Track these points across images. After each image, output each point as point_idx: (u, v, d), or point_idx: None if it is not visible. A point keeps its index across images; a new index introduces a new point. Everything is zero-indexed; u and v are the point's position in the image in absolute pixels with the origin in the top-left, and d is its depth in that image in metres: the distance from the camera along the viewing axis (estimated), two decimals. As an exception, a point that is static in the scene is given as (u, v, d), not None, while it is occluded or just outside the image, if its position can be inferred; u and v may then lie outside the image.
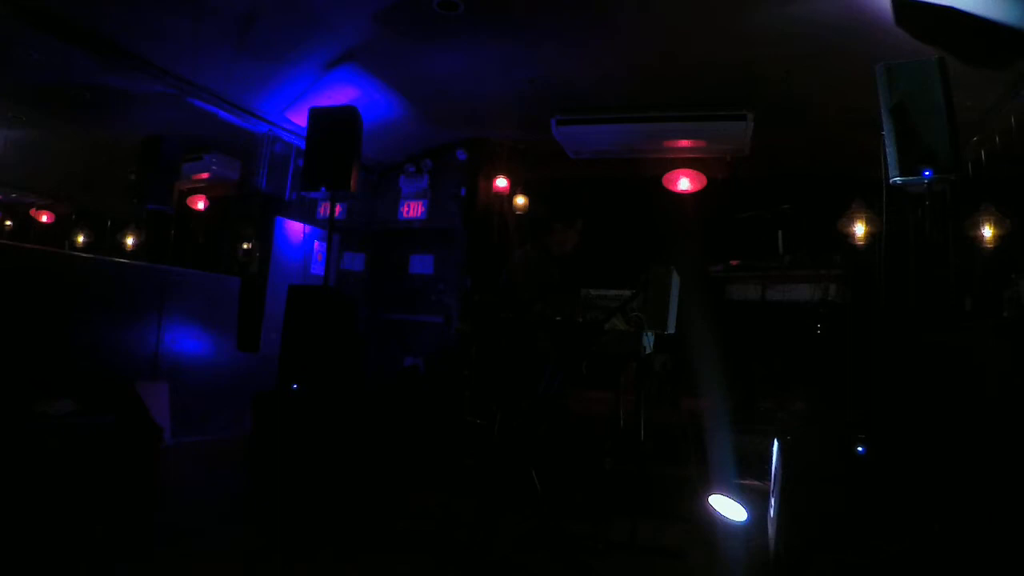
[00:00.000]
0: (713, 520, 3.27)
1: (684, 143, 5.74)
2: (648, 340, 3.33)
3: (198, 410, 4.95)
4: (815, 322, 5.00)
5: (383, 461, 3.89)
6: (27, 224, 7.95)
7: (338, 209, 5.98)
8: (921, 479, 2.69)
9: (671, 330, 3.22)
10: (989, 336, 3.11)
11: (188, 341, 5.11)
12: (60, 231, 7.80)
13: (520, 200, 6.79)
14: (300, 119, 5.09)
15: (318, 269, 6.45)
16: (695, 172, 6.13)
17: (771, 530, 2.93)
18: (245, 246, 6.19)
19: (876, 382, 4.02)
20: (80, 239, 7.44)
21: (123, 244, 6.79)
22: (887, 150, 3.31)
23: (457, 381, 5.77)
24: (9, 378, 3.56)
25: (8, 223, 7.96)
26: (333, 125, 4.19)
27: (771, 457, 3.12)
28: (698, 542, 3.13)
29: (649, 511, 3.19)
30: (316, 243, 6.58)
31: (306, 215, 6.51)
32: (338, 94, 4.99)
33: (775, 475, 3.01)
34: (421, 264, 6.75)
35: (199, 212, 6.72)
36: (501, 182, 6.70)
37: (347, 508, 3.41)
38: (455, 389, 5.66)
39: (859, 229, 5.72)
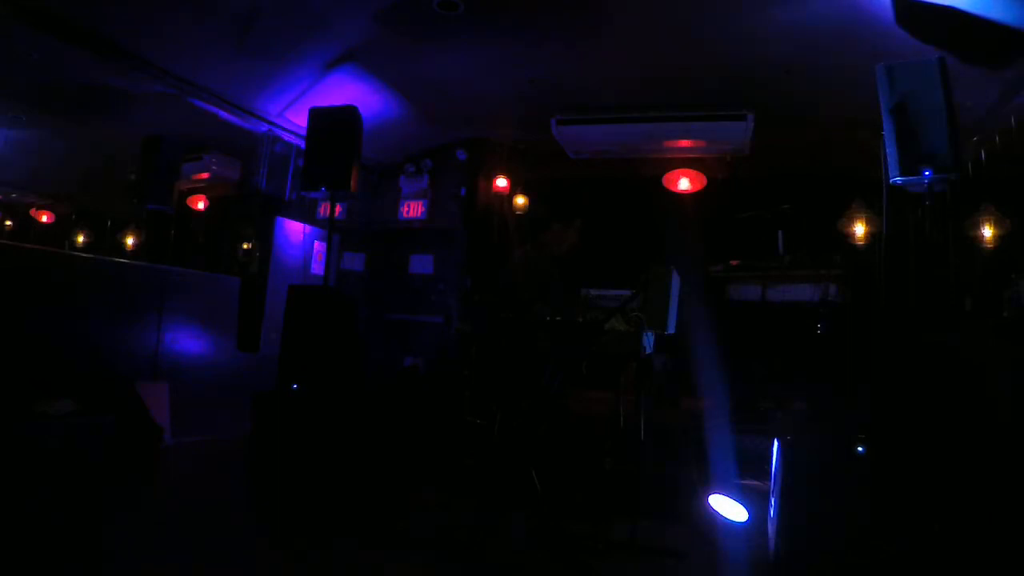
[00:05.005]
0: (713, 520, 3.26)
1: (684, 143, 5.74)
2: (648, 340, 3.33)
3: (198, 410, 4.95)
4: (815, 322, 5.00)
5: (383, 461, 3.89)
6: (27, 224, 7.96)
7: (338, 209, 5.97)
8: (921, 479, 2.69)
9: (671, 330, 3.22)
10: (989, 336, 3.11)
11: (188, 341, 5.11)
12: (60, 231, 7.81)
13: (520, 200, 6.79)
14: (300, 119, 5.08)
15: (318, 269, 6.45)
16: (695, 172, 6.13)
17: (771, 530, 2.93)
18: (245, 246, 6.19)
19: (876, 382, 4.02)
20: (80, 239, 7.45)
21: (123, 244, 6.80)
22: (887, 150, 3.32)
23: (457, 381, 5.77)
24: (9, 378, 3.56)
25: (8, 223, 7.97)
26: (333, 125, 4.18)
27: (771, 457, 3.12)
28: (698, 542, 3.13)
29: (649, 511, 3.19)
30: (316, 243, 6.57)
31: (306, 215, 6.51)
32: (338, 94, 4.99)
33: (775, 475, 3.01)
34: (421, 264, 6.75)
35: (199, 212, 6.72)
36: (501, 182, 6.70)
37: (347, 508, 3.41)
38: (455, 389, 5.65)
39: (859, 229, 5.72)
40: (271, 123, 5.44)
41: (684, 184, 6.16)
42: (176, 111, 5.06)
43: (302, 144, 5.01)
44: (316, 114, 4.24)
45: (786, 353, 5.06)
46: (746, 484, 3.62)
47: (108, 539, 2.88)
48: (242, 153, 6.23)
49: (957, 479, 2.63)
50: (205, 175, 6.39)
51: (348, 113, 4.19)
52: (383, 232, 6.96)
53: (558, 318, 3.41)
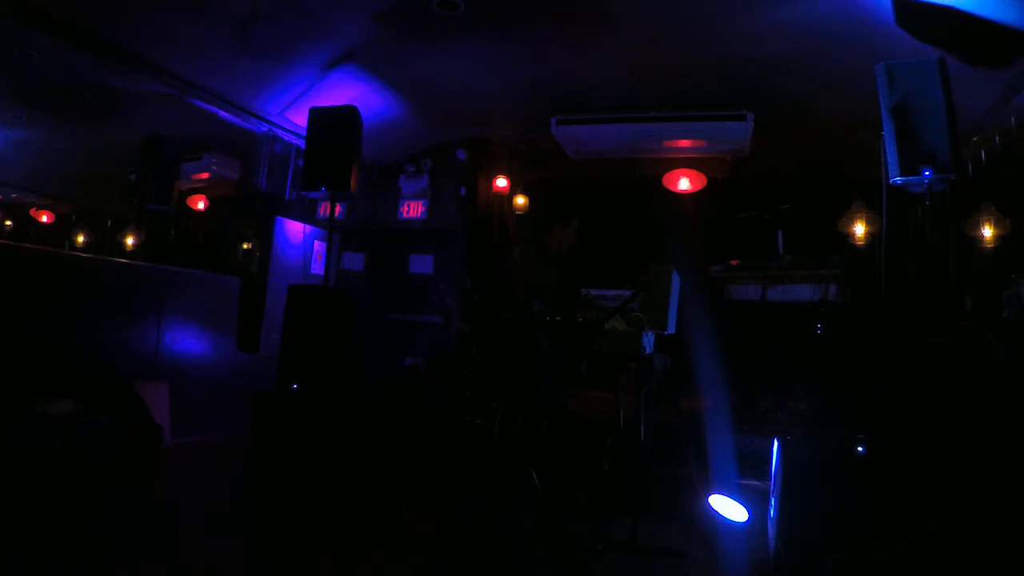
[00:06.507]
0: (713, 520, 3.27)
1: (684, 143, 5.74)
2: (648, 340, 3.33)
3: (198, 410, 4.95)
4: (815, 322, 5.00)
5: (383, 461, 3.90)
6: (27, 224, 7.98)
7: (338, 209, 5.98)
8: (920, 479, 2.69)
9: (671, 330, 3.22)
10: (989, 336, 3.11)
11: (188, 341, 5.11)
12: (60, 231, 7.82)
13: (520, 200, 6.79)
14: (300, 119, 5.08)
15: (318, 269, 6.45)
16: (695, 172, 6.12)
17: (771, 530, 2.93)
18: (245, 246, 6.19)
19: (876, 382, 4.02)
20: (80, 239, 7.46)
21: (123, 244, 6.80)
22: (887, 150, 3.31)
23: (457, 381, 5.78)
24: (10, 378, 3.57)
25: (8, 223, 7.98)
26: (333, 125, 4.18)
27: (771, 457, 3.12)
28: (698, 542, 3.13)
29: (649, 511, 3.19)
30: (316, 243, 6.58)
31: (306, 215, 6.50)
32: (338, 94, 4.99)
33: (775, 475, 3.01)
34: (421, 264, 6.75)
35: (199, 212, 6.72)
36: (501, 182, 6.70)
37: (347, 508, 3.41)
38: (455, 389, 5.66)
39: (859, 229, 5.72)
40: (271, 123, 5.44)
41: (684, 184, 6.16)
42: (176, 111, 5.06)
43: (302, 144, 5.01)
44: (316, 114, 4.24)
45: (786, 353, 5.07)
46: (746, 484, 3.62)
47: (109, 539, 2.88)
48: (242, 153, 6.23)
49: (956, 479, 2.63)
50: (205, 175, 6.39)
51: (348, 113, 4.19)
52: (383, 232, 6.96)
53: (558, 318, 3.41)
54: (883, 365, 3.84)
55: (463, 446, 4.30)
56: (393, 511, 3.49)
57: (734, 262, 5.51)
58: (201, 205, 6.71)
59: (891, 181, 3.34)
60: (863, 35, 3.89)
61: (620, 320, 3.25)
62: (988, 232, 5.39)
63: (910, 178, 3.25)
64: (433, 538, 3.15)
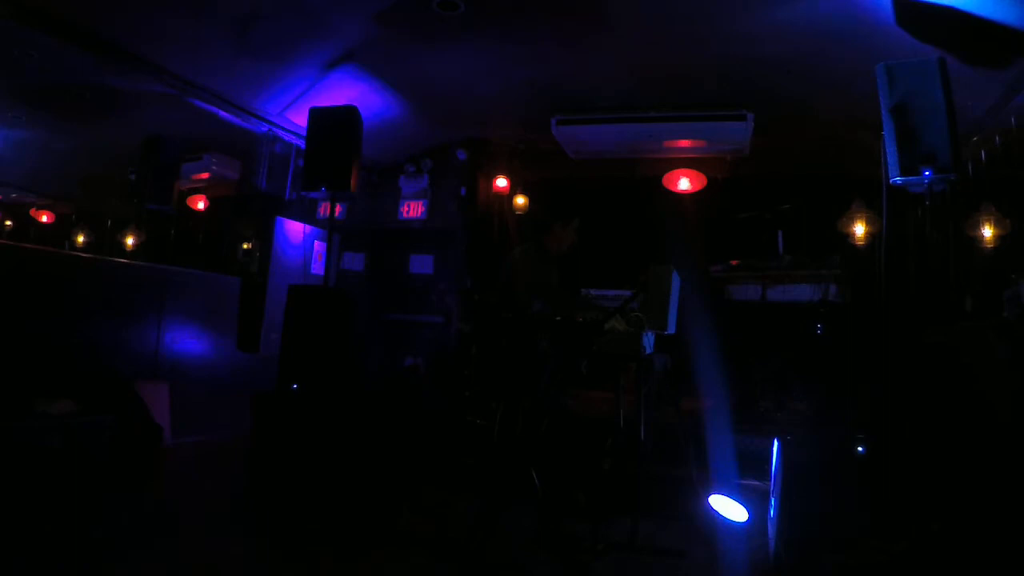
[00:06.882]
0: (713, 520, 3.27)
1: (684, 143, 5.74)
2: (648, 340, 3.33)
3: (198, 410, 4.95)
4: (815, 322, 5.00)
5: (383, 461, 3.90)
6: (27, 224, 7.98)
7: (338, 209, 5.98)
8: (920, 479, 2.69)
9: (671, 330, 3.22)
10: (989, 336, 3.11)
11: (188, 341, 5.11)
12: (60, 231, 7.83)
13: (520, 200, 6.79)
14: (300, 119, 5.08)
15: (318, 269, 6.45)
16: (695, 172, 6.12)
17: (771, 530, 2.93)
18: (245, 246, 6.19)
19: (876, 382, 4.03)
20: (80, 239, 7.46)
21: (123, 244, 6.80)
22: (887, 150, 3.32)
23: (457, 381, 5.78)
24: (10, 378, 3.57)
25: (8, 223, 7.98)
26: (333, 125, 4.19)
27: (771, 457, 3.12)
28: (698, 542, 3.13)
29: (649, 511, 3.19)
30: (316, 243, 6.58)
31: (306, 215, 6.50)
32: (338, 94, 4.99)
33: (775, 475, 3.01)
34: (421, 264, 6.75)
35: (199, 212, 6.72)
36: (501, 182, 6.70)
37: (347, 508, 3.41)
38: (455, 389, 5.66)
39: (859, 229, 5.72)
40: (271, 123, 5.44)
41: (684, 184, 6.16)
42: (176, 111, 5.06)
43: (302, 144, 5.02)
44: (316, 114, 4.24)
45: (786, 353, 5.07)
46: (746, 484, 3.62)
47: (109, 539, 2.88)
48: (242, 153, 6.23)
49: (956, 479, 2.63)
50: (205, 175, 6.39)
51: (348, 113, 4.20)
52: (383, 232, 6.96)
53: (558, 318, 3.41)
54: (883, 365, 3.84)
55: (463, 446, 4.30)
56: (393, 511, 3.49)
57: (734, 262, 5.51)
58: (201, 205, 6.71)
59: (891, 181, 3.34)
60: (863, 35, 3.89)
61: (620, 320, 3.25)
62: (988, 232, 5.38)
63: (910, 178, 3.25)
64: (433, 538, 3.15)
